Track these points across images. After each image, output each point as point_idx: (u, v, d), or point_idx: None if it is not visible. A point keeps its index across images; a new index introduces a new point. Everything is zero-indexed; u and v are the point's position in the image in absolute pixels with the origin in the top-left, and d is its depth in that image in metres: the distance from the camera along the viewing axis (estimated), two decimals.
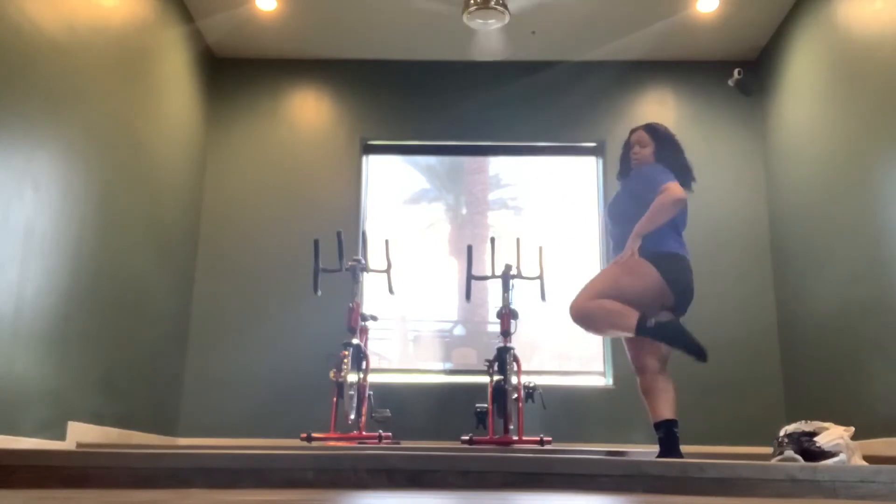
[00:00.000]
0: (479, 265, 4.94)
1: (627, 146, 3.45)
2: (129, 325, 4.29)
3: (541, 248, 4.71)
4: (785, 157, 5.11)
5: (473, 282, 4.58)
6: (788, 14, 5.03)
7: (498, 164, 5.85)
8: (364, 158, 5.66)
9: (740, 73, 5.45)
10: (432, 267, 5.53)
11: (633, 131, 3.46)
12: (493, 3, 4.59)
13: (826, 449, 2.89)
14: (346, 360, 4.09)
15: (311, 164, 5.54)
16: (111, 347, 4.08)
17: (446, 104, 5.63)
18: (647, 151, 3.37)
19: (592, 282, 3.19)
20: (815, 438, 2.95)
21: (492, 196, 5.89)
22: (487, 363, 4.36)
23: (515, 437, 4.22)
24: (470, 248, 4.66)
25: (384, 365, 5.30)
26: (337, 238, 4.56)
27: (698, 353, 2.99)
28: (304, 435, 4.15)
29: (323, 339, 5.04)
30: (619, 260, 3.22)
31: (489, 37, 5.27)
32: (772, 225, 5.29)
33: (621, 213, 3.31)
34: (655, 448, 4.79)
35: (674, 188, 3.16)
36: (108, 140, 4.06)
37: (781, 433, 3.09)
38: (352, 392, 4.15)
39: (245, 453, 2.31)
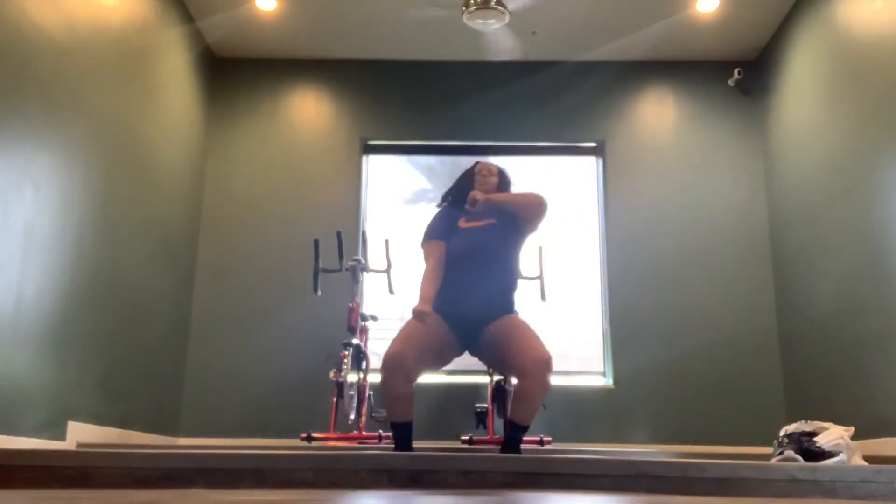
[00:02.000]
0: None
1: (471, 174, 3.58)
2: (129, 325, 4.29)
3: (541, 248, 4.71)
4: (785, 157, 5.11)
5: None
6: (788, 14, 5.04)
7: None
8: (364, 158, 5.66)
9: (740, 73, 5.45)
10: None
11: (477, 163, 3.63)
12: (493, 3, 4.59)
13: (826, 449, 2.90)
14: (346, 360, 4.09)
15: (311, 164, 5.54)
16: (111, 347, 4.08)
17: (446, 104, 5.63)
18: (494, 181, 3.54)
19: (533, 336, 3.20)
20: (815, 438, 2.95)
21: None
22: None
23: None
24: None
25: None
26: (337, 238, 4.56)
27: None
28: (304, 435, 4.15)
29: (323, 339, 5.04)
30: (474, 198, 3.43)
31: (499, 36, 5.27)
32: (772, 225, 5.29)
33: (493, 237, 3.36)
34: (657, 448, 4.81)
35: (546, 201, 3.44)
36: (108, 140, 4.06)
37: (781, 433, 3.10)
38: (352, 392, 4.15)
39: (245, 453, 2.31)
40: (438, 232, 3.45)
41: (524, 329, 3.17)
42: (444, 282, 3.32)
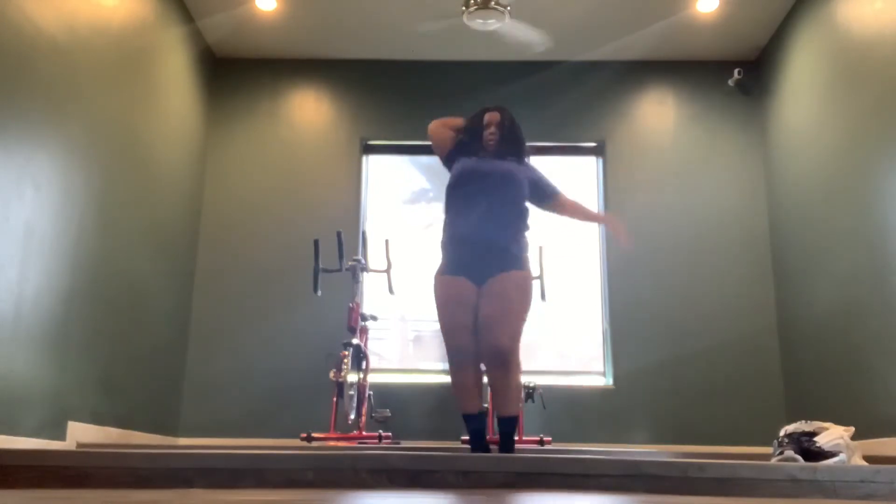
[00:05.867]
0: None
1: (478, 125, 3.44)
2: (128, 325, 4.29)
3: (541, 248, 4.71)
4: (785, 157, 5.11)
5: None
6: (788, 14, 5.04)
7: None
8: (364, 158, 5.66)
9: (740, 73, 5.45)
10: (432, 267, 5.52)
11: (487, 110, 3.49)
12: (493, 3, 4.59)
13: (826, 449, 2.90)
14: (346, 360, 4.09)
15: (311, 164, 5.54)
16: (111, 347, 4.08)
17: (446, 104, 5.62)
18: (497, 133, 3.42)
19: (513, 318, 3.06)
20: (815, 438, 2.95)
21: None
22: None
23: (515, 437, 4.21)
24: None
25: (384, 365, 5.30)
26: (337, 238, 4.56)
27: None
28: (304, 435, 4.15)
29: (323, 339, 5.04)
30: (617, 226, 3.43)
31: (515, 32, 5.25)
32: (772, 225, 5.29)
33: (511, 183, 3.25)
34: (657, 448, 4.81)
35: None
36: (108, 140, 4.06)
37: (781, 433, 3.10)
38: (352, 392, 4.15)
39: (245, 453, 2.31)
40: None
41: (504, 301, 3.04)
42: (457, 213, 3.21)
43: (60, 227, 3.55)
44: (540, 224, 5.61)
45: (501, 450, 3.09)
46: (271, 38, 5.45)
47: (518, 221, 3.24)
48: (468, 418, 3.12)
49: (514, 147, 3.39)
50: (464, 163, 3.30)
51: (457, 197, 3.25)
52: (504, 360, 2.99)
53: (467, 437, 4.27)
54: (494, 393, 3.09)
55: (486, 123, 3.41)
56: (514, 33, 5.16)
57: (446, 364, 3.17)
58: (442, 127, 3.44)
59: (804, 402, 4.74)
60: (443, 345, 3.15)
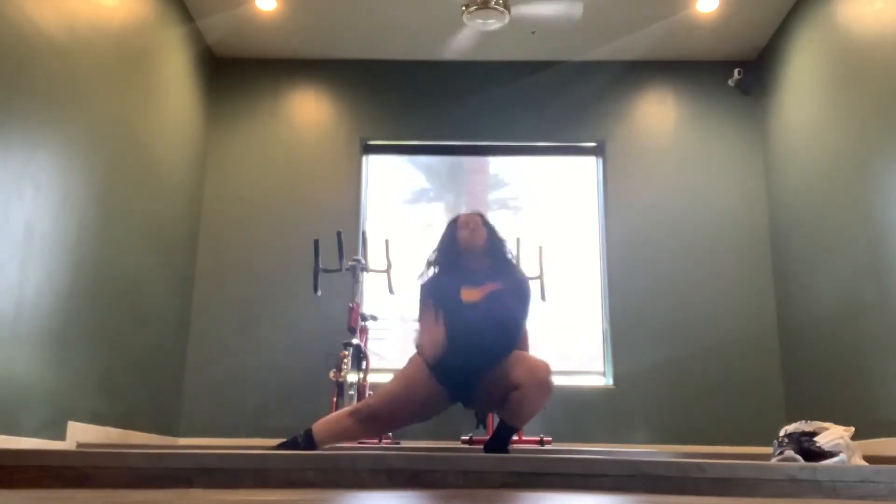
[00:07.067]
0: None
1: (454, 232, 3.26)
2: (128, 325, 4.29)
3: (541, 248, 4.72)
4: (785, 157, 5.11)
5: None
6: (788, 14, 5.04)
7: (498, 164, 5.86)
8: (364, 158, 5.66)
9: (740, 73, 5.45)
10: None
11: (457, 218, 3.32)
12: (493, 3, 4.59)
13: (826, 449, 2.89)
14: (346, 360, 4.09)
15: (311, 164, 5.54)
16: (111, 347, 4.08)
17: (446, 104, 5.63)
18: (482, 233, 3.24)
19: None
20: (815, 438, 2.95)
21: (492, 196, 5.89)
22: None
23: (515, 437, 4.22)
24: None
25: (384, 365, 5.30)
26: (337, 238, 4.56)
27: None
28: None
29: (323, 339, 5.04)
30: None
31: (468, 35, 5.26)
32: (772, 225, 5.29)
33: (510, 305, 3.15)
34: (657, 448, 4.81)
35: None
36: (108, 140, 4.06)
37: (781, 433, 3.09)
38: (352, 392, 4.15)
39: (245, 453, 2.31)
40: (439, 304, 3.12)
41: (517, 355, 3.05)
42: (451, 336, 3.04)
43: (60, 227, 3.55)
44: (540, 224, 5.61)
45: (492, 448, 3.05)
46: (271, 38, 5.45)
47: (512, 346, 3.15)
48: (312, 443, 3.07)
49: (502, 251, 3.27)
50: (457, 313, 3.07)
51: (456, 338, 3.04)
52: (547, 374, 2.96)
53: (467, 437, 4.29)
54: (518, 405, 2.96)
55: (463, 224, 3.24)
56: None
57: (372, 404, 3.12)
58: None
59: (804, 402, 4.74)
60: (380, 400, 3.10)
